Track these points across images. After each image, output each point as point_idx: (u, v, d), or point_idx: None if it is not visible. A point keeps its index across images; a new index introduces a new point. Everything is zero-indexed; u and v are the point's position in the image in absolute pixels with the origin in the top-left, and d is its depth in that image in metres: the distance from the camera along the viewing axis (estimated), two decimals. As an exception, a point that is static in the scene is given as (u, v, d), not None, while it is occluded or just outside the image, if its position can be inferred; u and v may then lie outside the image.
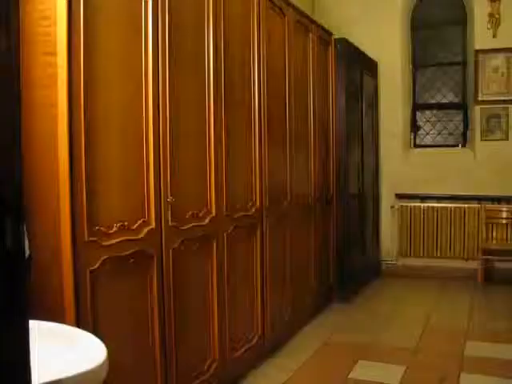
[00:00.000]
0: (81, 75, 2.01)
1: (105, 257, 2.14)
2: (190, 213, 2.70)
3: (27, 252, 1.96)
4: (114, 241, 2.19)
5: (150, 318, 2.41)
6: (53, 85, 1.96)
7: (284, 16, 3.84)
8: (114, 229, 2.20)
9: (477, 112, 5.85)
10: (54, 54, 1.96)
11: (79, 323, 1.98)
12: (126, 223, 2.26)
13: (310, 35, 4.36)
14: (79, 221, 2.02)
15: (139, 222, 2.35)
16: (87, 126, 2.04)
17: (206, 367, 2.86)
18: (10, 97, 0.90)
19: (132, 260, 2.29)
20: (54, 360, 1.41)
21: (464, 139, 6.14)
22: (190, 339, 2.72)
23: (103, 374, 1.47)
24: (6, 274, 0.88)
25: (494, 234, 5.74)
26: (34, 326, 1.06)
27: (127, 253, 2.26)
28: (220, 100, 2.95)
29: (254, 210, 3.38)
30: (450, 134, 6.23)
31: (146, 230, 2.38)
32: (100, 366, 1.45)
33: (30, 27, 1.98)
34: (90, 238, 2.07)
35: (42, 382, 1.21)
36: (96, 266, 2.09)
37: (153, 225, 2.42)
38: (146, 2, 2.38)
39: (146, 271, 2.39)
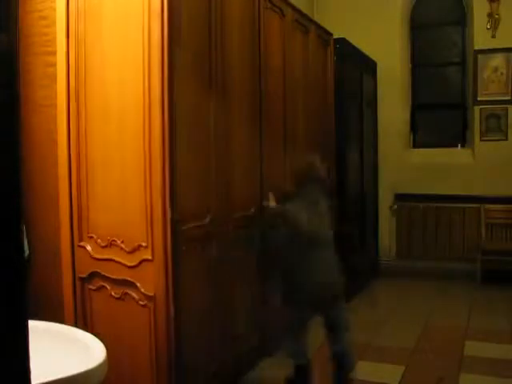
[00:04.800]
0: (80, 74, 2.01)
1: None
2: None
3: (26, 252, 1.96)
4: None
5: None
6: (52, 84, 1.96)
7: (283, 16, 3.83)
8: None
9: (476, 112, 5.85)
10: (53, 53, 1.96)
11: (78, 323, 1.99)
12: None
13: (310, 35, 4.35)
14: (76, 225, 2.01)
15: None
16: (87, 126, 2.04)
17: None
18: (10, 97, 0.90)
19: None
20: (53, 360, 1.41)
21: (463, 139, 6.14)
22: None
23: (103, 374, 1.47)
24: (6, 274, 0.88)
25: (494, 234, 5.74)
26: (34, 325, 1.06)
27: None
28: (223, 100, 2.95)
29: (252, 210, 3.38)
30: (449, 134, 6.23)
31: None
32: (99, 366, 1.45)
33: (29, 27, 1.98)
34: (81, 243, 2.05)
35: (41, 381, 1.21)
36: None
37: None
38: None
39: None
